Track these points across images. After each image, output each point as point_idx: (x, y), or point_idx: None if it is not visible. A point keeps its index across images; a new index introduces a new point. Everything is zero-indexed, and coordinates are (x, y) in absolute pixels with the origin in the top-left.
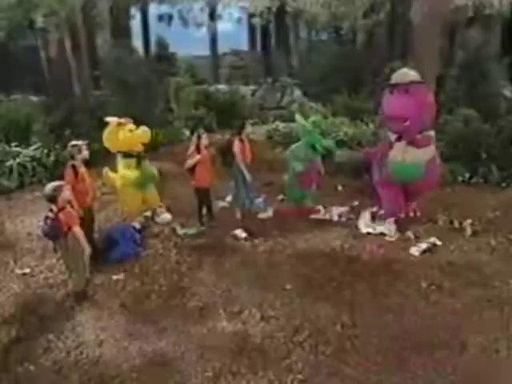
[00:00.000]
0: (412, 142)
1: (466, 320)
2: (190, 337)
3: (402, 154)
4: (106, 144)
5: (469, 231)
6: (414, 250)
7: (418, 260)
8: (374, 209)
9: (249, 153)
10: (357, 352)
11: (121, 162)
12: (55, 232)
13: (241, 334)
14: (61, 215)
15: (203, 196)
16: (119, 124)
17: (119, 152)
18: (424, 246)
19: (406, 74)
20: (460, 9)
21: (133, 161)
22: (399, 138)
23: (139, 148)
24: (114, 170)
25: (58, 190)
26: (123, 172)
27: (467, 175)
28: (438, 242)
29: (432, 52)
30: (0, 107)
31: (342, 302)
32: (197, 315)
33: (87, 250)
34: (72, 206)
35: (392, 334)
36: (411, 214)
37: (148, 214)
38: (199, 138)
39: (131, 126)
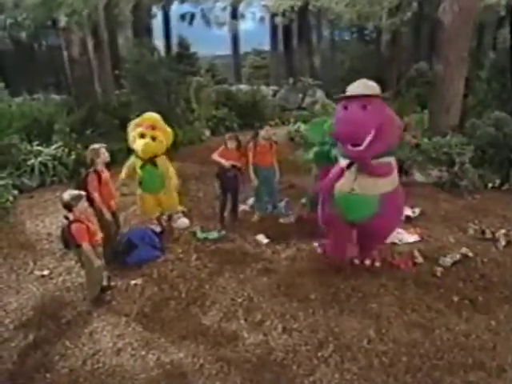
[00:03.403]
0: (364, 169)
1: (502, 339)
2: (209, 348)
3: (350, 184)
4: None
5: (502, 242)
6: (445, 262)
7: (449, 272)
8: (409, 211)
9: (267, 156)
10: (385, 370)
11: (131, 158)
12: (66, 242)
13: (262, 347)
14: (73, 228)
15: (231, 195)
16: (138, 124)
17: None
18: (455, 257)
19: (366, 85)
20: (490, 8)
21: (138, 161)
22: (351, 165)
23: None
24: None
25: (76, 199)
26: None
27: (498, 182)
28: (470, 254)
29: (461, 52)
30: (23, 106)
31: (369, 315)
32: (217, 325)
33: (97, 264)
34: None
35: (422, 351)
36: (367, 263)
37: (164, 217)
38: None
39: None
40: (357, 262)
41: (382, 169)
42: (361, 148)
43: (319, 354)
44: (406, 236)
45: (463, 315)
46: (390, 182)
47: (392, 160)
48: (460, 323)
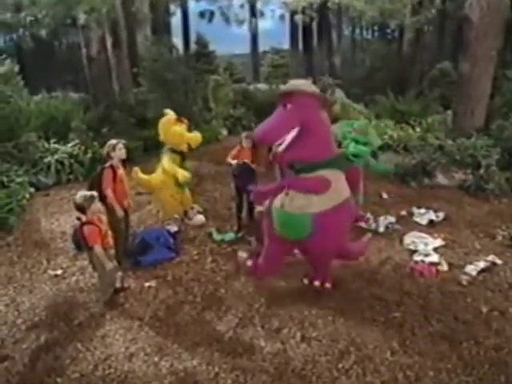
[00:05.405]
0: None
1: None
2: (224, 356)
3: (281, 199)
4: (160, 131)
5: None
6: (471, 269)
7: (476, 281)
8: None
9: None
10: None
11: (166, 155)
12: (78, 243)
13: (280, 356)
14: (85, 229)
15: (247, 197)
16: (178, 120)
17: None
18: (482, 264)
19: (292, 83)
20: None
21: (178, 157)
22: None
23: (184, 148)
24: (149, 169)
25: (88, 201)
26: (168, 165)
27: None
28: (498, 261)
29: (490, 51)
30: (41, 104)
31: (391, 324)
32: (232, 332)
33: (109, 267)
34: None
35: (450, 366)
36: (316, 284)
37: (177, 216)
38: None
39: (185, 126)
40: (306, 281)
41: (308, 183)
42: (279, 150)
43: (340, 366)
44: (429, 241)
45: (493, 327)
46: (326, 200)
47: (329, 174)
48: (490, 336)
